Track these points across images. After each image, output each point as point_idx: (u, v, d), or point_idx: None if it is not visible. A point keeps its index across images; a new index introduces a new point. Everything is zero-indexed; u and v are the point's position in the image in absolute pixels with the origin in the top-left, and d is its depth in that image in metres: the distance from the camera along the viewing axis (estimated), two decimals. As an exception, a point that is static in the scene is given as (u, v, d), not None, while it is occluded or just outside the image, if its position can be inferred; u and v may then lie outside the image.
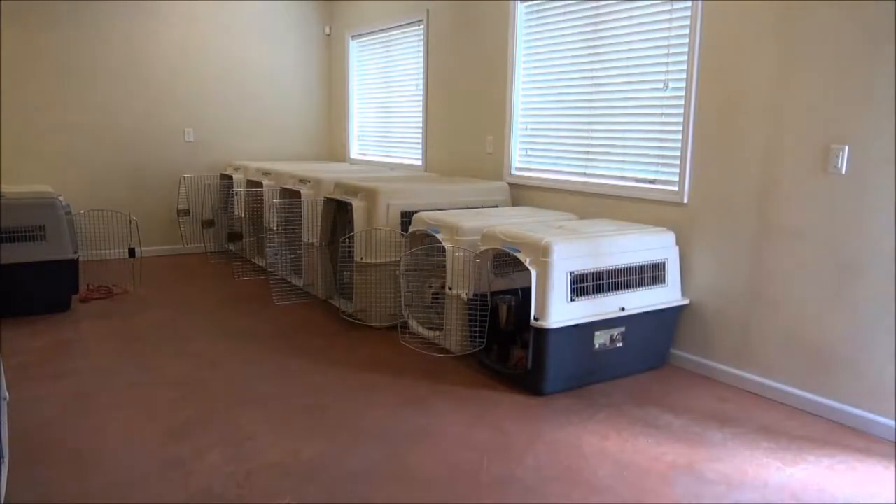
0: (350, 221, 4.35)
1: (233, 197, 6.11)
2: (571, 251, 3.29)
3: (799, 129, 3.15)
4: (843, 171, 3.00)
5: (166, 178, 6.49)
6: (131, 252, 5.75)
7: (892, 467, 2.67)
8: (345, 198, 4.43)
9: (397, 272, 4.10)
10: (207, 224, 6.56)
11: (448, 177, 5.24)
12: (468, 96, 5.23)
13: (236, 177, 6.16)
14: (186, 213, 6.54)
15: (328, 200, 4.68)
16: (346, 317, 4.46)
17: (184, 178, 6.52)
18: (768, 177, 3.29)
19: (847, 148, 2.98)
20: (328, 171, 5.39)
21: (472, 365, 3.67)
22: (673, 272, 3.64)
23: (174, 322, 4.36)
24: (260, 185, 5.69)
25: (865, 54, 2.90)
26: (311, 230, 4.83)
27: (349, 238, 4.26)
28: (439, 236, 3.83)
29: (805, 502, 2.40)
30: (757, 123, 3.32)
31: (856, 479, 2.58)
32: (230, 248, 6.44)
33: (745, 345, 3.44)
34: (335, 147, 7.34)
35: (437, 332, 3.91)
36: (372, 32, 6.54)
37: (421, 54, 5.78)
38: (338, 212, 4.71)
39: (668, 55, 3.72)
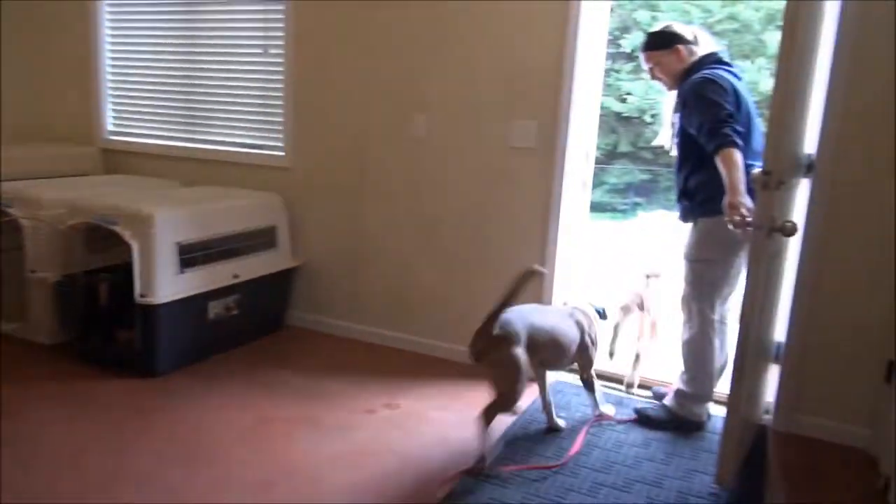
0: None
1: None
2: (177, 221, 3.11)
3: (385, 97, 3.45)
4: (423, 135, 3.39)
5: None
6: None
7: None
8: None
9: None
10: None
11: (24, 140, 4.42)
12: (44, 44, 4.43)
13: None
14: None
15: None
16: None
17: None
18: (362, 141, 3.55)
19: (424, 116, 3.37)
20: None
21: (70, 355, 3.24)
22: (283, 236, 3.71)
23: None
24: None
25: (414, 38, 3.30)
26: None
27: None
28: (12, 212, 3.25)
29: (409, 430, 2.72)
30: (350, 90, 3.54)
31: (455, 406, 3.00)
32: None
33: (354, 299, 3.70)
34: None
35: (15, 325, 3.36)
36: None
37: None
38: None
39: (266, 18, 3.70)
